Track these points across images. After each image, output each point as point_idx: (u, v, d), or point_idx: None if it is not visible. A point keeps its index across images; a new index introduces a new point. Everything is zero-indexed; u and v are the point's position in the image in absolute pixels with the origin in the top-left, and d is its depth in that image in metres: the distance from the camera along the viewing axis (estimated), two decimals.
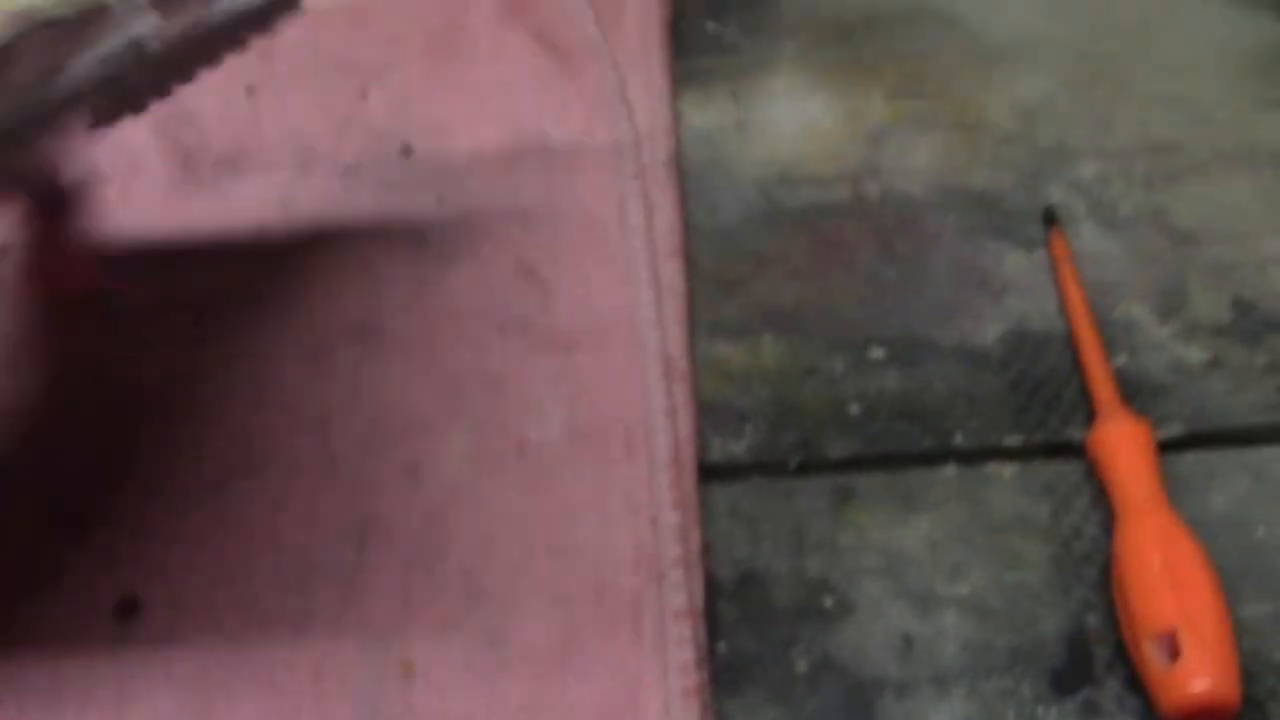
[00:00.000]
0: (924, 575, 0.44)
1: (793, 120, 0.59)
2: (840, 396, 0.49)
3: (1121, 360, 0.49)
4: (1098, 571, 0.43)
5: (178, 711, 0.40)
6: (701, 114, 0.59)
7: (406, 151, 0.57)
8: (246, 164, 0.56)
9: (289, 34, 0.61)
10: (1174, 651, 0.38)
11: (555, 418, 0.47)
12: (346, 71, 0.60)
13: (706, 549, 0.44)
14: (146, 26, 0.39)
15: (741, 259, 0.53)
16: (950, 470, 0.47)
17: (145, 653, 0.42)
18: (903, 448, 0.47)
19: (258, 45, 0.58)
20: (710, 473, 0.47)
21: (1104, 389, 0.46)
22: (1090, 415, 0.47)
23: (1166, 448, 0.45)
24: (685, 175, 0.56)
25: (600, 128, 0.57)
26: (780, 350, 0.50)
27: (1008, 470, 0.46)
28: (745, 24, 0.63)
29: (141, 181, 0.56)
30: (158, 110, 0.56)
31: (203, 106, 0.59)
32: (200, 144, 0.56)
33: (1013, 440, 0.47)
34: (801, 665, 0.42)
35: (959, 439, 0.47)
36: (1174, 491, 0.43)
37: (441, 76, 0.60)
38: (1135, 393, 0.48)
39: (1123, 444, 0.44)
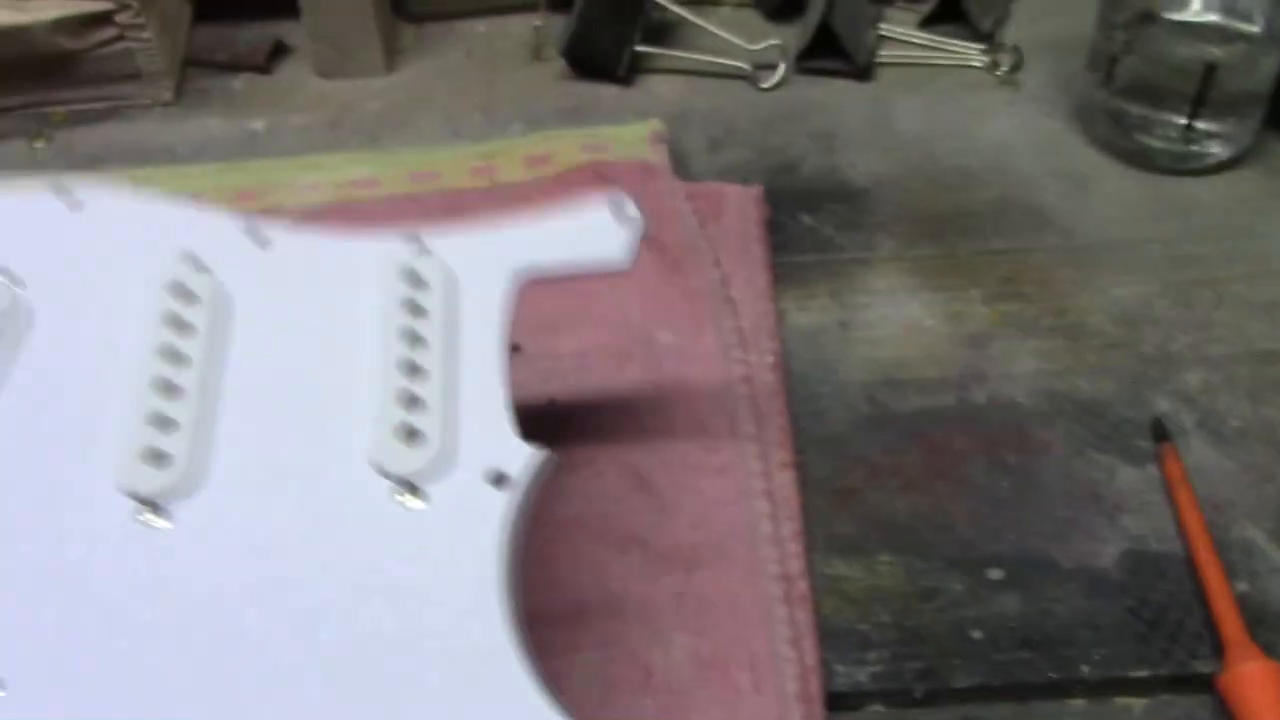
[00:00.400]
0: None
1: (895, 321, 0.59)
2: (962, 621, 0.48)
3: (1242, 587, 0.49)
4: None
5: None
6: (804, 313, 0.60)
7: (514, 348, 0.57)
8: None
9: (394, 222, 0.62)
10: None
11: (679, 643, 0.47)
12: None
13: None
14: None
15: (852, 468, 0.54)
16: (1078, 703, 0.46)
17: None
18: (1028, 678, 0.47)
19: None
20: (835, 701, 0.46)
21: (1231, 625, 0.46)
22: (1216, 647, 0.46)
23: None
24: (790, 377, 0.57)
25: (706, 328, 0.57)
26: (898, 570, 0.50)
27: (1137, 705, 0.46)
28: (840, 218, 0.64)
29: None
30: None
31: None
32: None
33: (1139, 672, 0.47)
34: None
35: (1085, 670, 0.47)
36: None
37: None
38: (1258, 621, 0.47)
39: (1256, 689, 0.44)
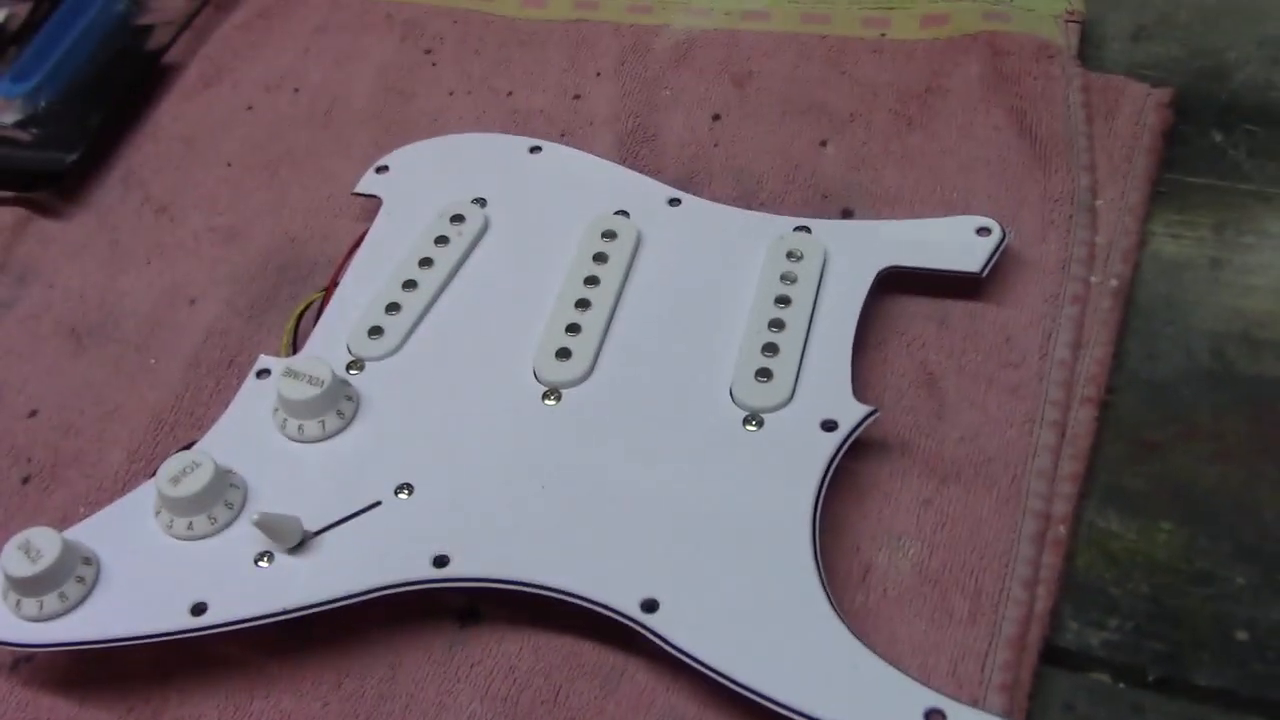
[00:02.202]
0: None
1: (1277, 272, 0.52)
2: (1230, 617, 0.44)
3: None
4: None
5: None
6: (1174, 243, 0.54)
7: (847, 214, 0.56)
8: (692, 192, 0.56)
9: (769, 61, 0.61)
10: None
11: (910, 550, 0.45)
12: (814, 115, 0.59)
13: None
14: None
15: (1166, 422, 0.48)
16: None
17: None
18: None
19: (736, 70, 0.59)
20: (1056, 656, 0.43)
21: None
22: None
23: None
24: (1132, 310, 0.51)
25: (1053, 237, 0.53)
26: (1177, 542, 0.45)
27: None
28: (1257, 144, 0.57)
29: None
30: (622, 124, 0.59)
31: (669, 127, 0.60)
32: (654, 166, 0.58)
33: None
34: None
35: None
36: None
37: (903, 143, 0.57)
38: None
39: None
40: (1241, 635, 0.43)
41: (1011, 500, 0.46)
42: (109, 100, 0.65)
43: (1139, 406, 0.49)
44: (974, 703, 0.41)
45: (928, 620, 0.44)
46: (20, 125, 0.65)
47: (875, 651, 0.41)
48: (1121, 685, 0.43)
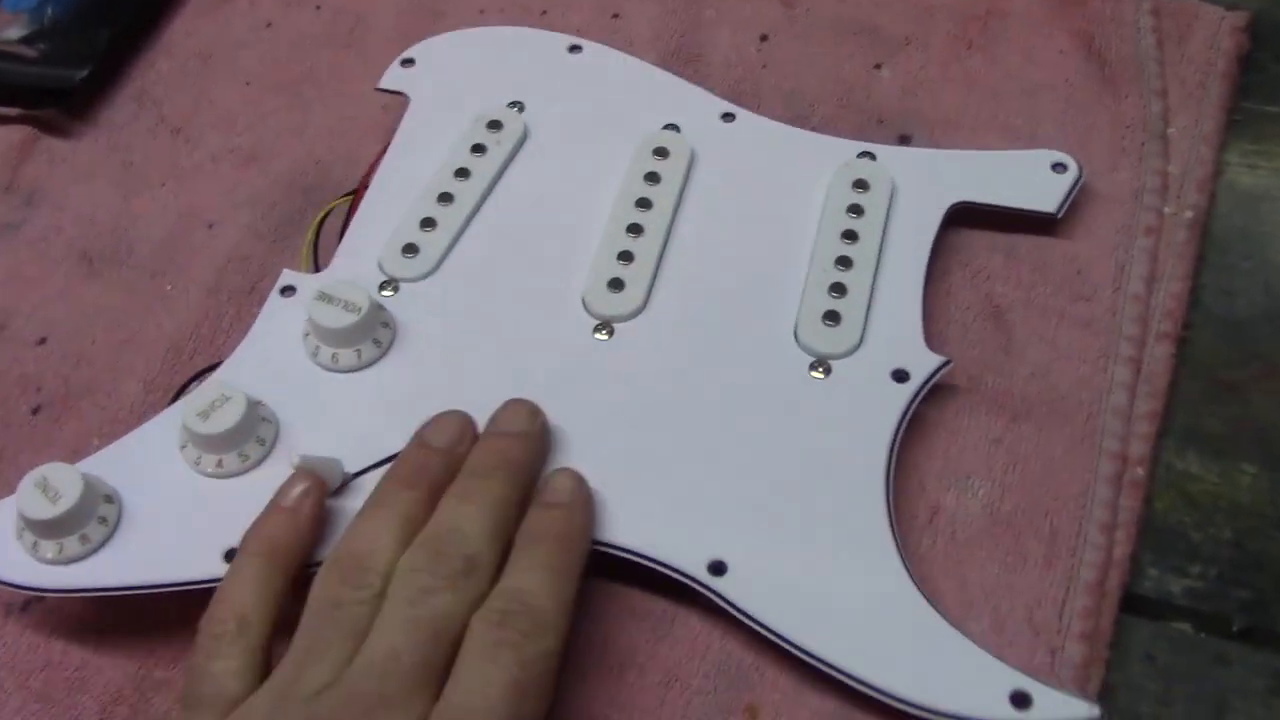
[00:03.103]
0: None
1: None
2: None
3: None
4: None
5: None
6: (1250, 173, 0.51)
7: (904, 141, 0.53)
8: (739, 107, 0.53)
9: None
10: None
11: (980, 491, 0.43)
12: (867, 37, 0.56)
13: (1106, 693, 0.39)
14: None
15: (1247, 361, 0.46)
16: None
17: None
18: None
19: None
20: (1135, 604, 0.41)
21: None
22: None
23: None
24: (1208, 244, 0.49)
25: (1124, 165, 0.50)
26: (1262, 486, 0.43)
27: None
28: None
29: None
30: (665, 43, 0.56)
31: (714, 47, 0.57)
32: (702, 84, 0.54)
33: None
34: None
35: None
36: None
37: (963, 66, 0.54)
38: None
39: None
40: None
41: (1086, 440, 0.43)
42: (120, 15, 0.61)
43: (1217, 344, 0.46)
44: (1052, 652, 0.39)
45: (1000, 564, 0.41)
46: (26, 41, 0.62)
47: (948, 604, 0.38)
48: (1204, 635, 0.41)
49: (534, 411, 0.42)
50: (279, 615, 0.38)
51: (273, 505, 0.40)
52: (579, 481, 0.41)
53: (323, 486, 0.41)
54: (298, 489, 0.40)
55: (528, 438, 0.42)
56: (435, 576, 0.36)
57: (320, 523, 0.41)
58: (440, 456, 0.41)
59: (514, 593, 0.37)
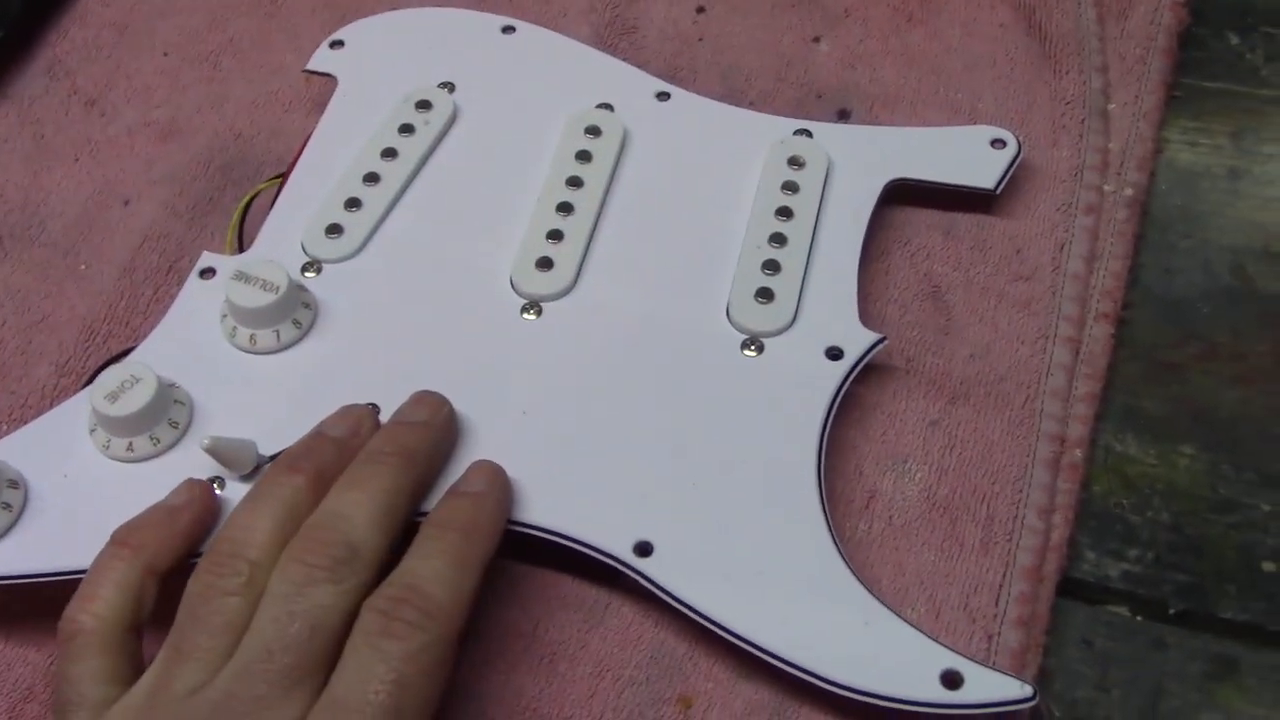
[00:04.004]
0: None
1: None
2: (1255, 547, 0.41)
3: None
4: None
5: None
6: (1190, 150, 0.50)
7: (843, 116, 0.52)
8: (676, 85, 0.52)
9: None
10: None
11: (917, 475, 0.42)
12: (805, 9, 0.55)
13: (1042, 678, 0.39)
14: None
15: (1187, 341, 0.45)
16: None
17: None
18: None
19: None
20: (1073, 588, 0.41)
21: None
22: None
23: None
24: (1147, 222, 0.48)
25: (1065, 142, 0.49)
26: (1200, 469, 0.43)
27: None
28: (1276, 47, 0.53)
29: None
30: (599, 15, 0.54)
31: (649, 19, 0.55)
32: (634, 60, 0.53)
33: None
34: None
35: None
36: None
37: (902, 40, 0.53)
38: None
39: None
40: (1269, 566, 0.41)
41: (1024, 422, 0.43)
42: None
43: (1156, 324, 0.46)
44: (989, 638, 0.39)
45: (937, 550, 0.41)
46: None
47: (884, 589, 0.37)
48: (1141, 618, 0.40)
49: (440, 403, 0.41)
50: (141, 613, 0.36)
51: (155, 504, 0.39)
52: (496, 473, 0.39)
53: (213, 497, 0.39)
54: (185, 494, 0.39)
55: (428, 427, 0.40)
56: (314, 567, 0.35)
57: (200, 530, 0.38)
58: (332, 445, 0.39)
59: (407, 580, 0.35)
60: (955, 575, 0.40)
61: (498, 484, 0.39)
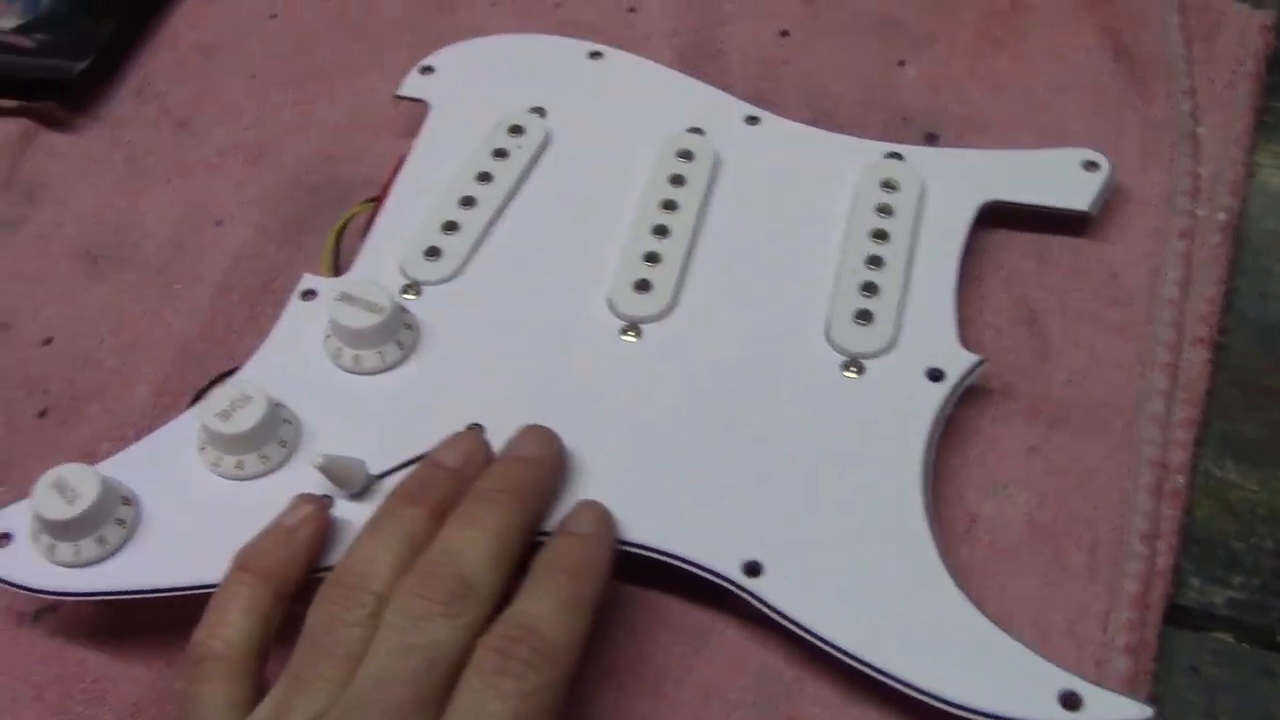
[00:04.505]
0: None
1: None
2: None
3: None
4: None
5: None
6: None
7: (930, 139, 0.52)
8: (763, 108, 0.52)
9: None
10: None
11: (1019, 500, 0.42)
12: (888, 33, 0.55)
13: (1151, 706, 0.39)
14: None
15: None
16: None
17: None
18: None
19: None
20: (1178, 615, 0.41)
21: None
22: None
23: None
24: (1241, 247, 0.48)
25: (1155, 167, 0.49)
26: None
27: None
28: None
29: None
30: (682, 38, 0.55)
31: (734, 42, 0.56)
32: (720, 84, 0.53)
33: None
34: None
35: None
36: None
37: (989, 63, 0.54)
38: None
39: None
40: None
41: (1125, 447, 0.43)
42: (120, 5, 0.60)
43: (1253, 349, 0.46)
44: (1097, 664, 0.39)
45: (1040, 576, 0.41)
46: (22, 30, 0.60)
47: (989, 615, 0.37)
48: (1248, 646, 0.40)
49: (550, 438, 0.41)
50: (268, 637, 0.37)
51: (272, 524, 0.39)
52: (603, 514, 0.40)
53: (326, 511, 0.40)
54: (301, 511, 0.39)
55: (540, 464, 0.40)
56: (431, 602, 0.35)
57: (318, 545, 0.39)
58: (448, 475, 0.39)
59: (522, 620, 0.35)
60: (1060, 601, 0.40)
61: (605, 524, 0.39)
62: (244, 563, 0.38)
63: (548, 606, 0.36)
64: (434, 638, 0.34)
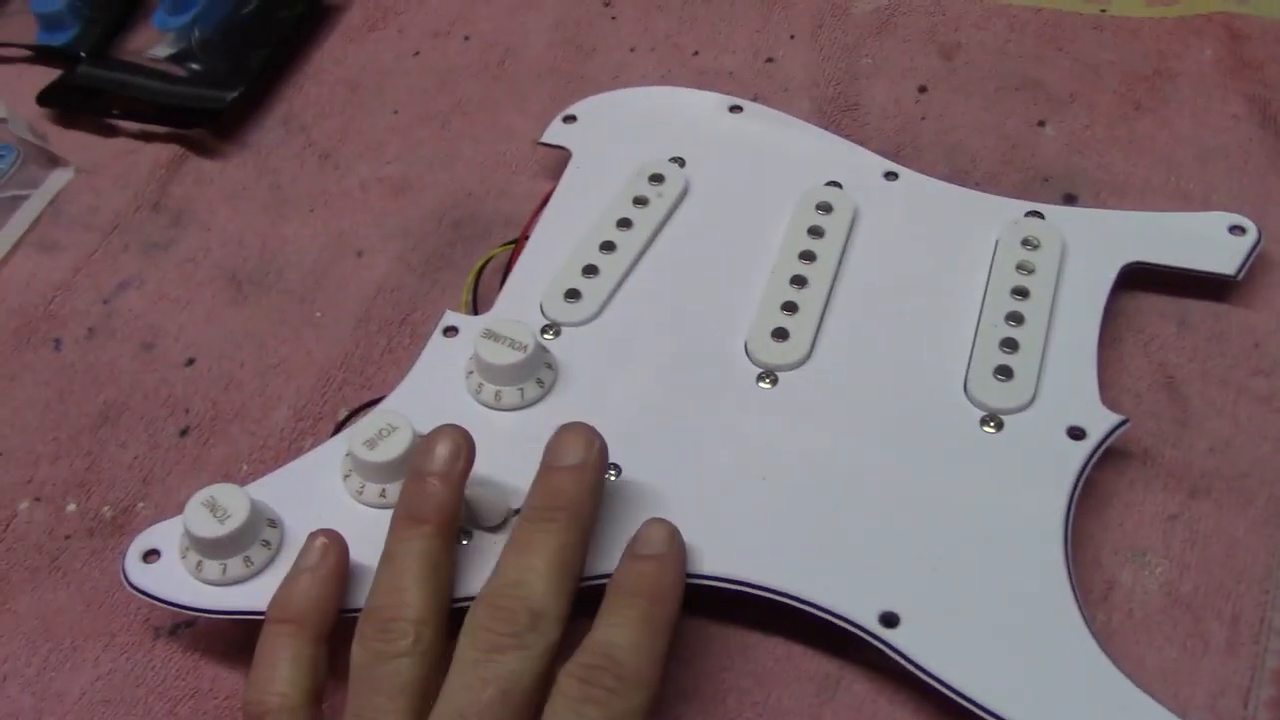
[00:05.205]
0: None
1: None
2: None
3: None
4: None
5: None
6: None
7: (1069, 200, 0.52)
8: (900, 163, 0.52)
9: (978, 33, 0.57)
10: None
11: (1158, 569, 0.42)
12: (1029, 93, 0.55)
13: None
14: None
15: None
16: None
17: None
18: None
19: (943, 41, 0.55)
20: None
21: None
22: None
23: None
24: None
25: None
26: None
27: None
28: None
29: None
30: (820, 90, 0.55)
31: (871, 97, 0.56)
32: (857, 137, 0.54)
33: None
34: None
35: None
36: None
37: (1130, 127, 0.53)
38: None
39: None
40: None
41: (1270, 520, 0.42)
42: (268, 37, 0.62)
43: None
44: None
45: (1180, 647, 0.40)
46: (175, 59, 0.62)
47: (1137, 682, 0.37)
48: None
49: (591, 436, 0.40)
50: (320, 681, 0.38)
51: (293, 570, 0.40)
52: (673, 533, 0.39)
53: (341, 539, 0.40)
54: (317, 548, 0.40)
55: (585, 469, 0.39)
56: (500, 634, 0.35)
57: (344, 576, 0.40)
58: (437, 480, 0.39)
59: (603, 648, 0.36)
60: (1199, 674, 0.39)
61: (676, 542, 0.39)
62: (277, 614, 0.39)
63: (627, 635, 0.36)
64: (508, 669, 0.35)
